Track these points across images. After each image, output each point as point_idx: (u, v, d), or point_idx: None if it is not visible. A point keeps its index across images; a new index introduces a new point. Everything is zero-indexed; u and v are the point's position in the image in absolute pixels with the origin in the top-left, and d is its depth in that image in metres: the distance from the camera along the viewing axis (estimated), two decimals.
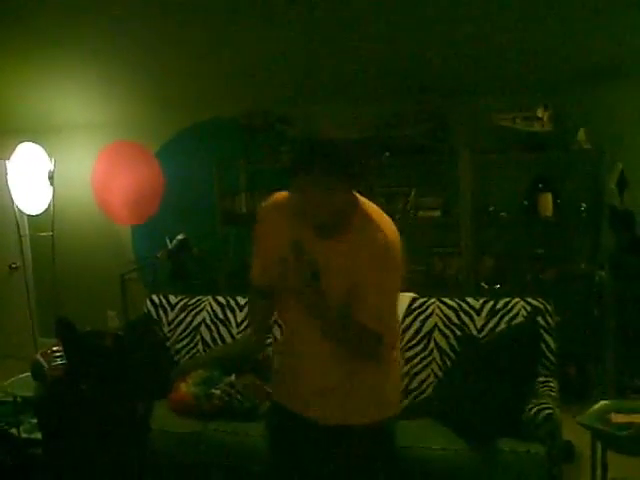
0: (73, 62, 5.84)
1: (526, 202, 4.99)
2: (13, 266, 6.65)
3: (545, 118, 4.71)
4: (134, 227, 6.38)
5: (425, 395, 3.60)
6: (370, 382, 2.30)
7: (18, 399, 4.06)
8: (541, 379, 3.45)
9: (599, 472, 3.21)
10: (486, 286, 5.08)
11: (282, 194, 2.30)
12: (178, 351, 4.13)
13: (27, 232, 6.51)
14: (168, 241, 5.91)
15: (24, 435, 4.05)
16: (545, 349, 3.54)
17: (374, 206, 2.27)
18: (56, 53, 5.76)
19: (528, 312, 3.58)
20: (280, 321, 2.46)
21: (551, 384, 3.44)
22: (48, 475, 2.85)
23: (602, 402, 3.27)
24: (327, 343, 2.22)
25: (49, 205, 5.91)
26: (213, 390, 3.52)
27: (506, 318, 3.63)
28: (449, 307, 3.76)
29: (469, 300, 3.78)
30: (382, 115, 5.20)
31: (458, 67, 5.07)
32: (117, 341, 2.90)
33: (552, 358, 3.56)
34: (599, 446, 3.16)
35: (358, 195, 2.24)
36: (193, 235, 5.91)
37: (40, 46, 5.76)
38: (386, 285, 2.20)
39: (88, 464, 2.76)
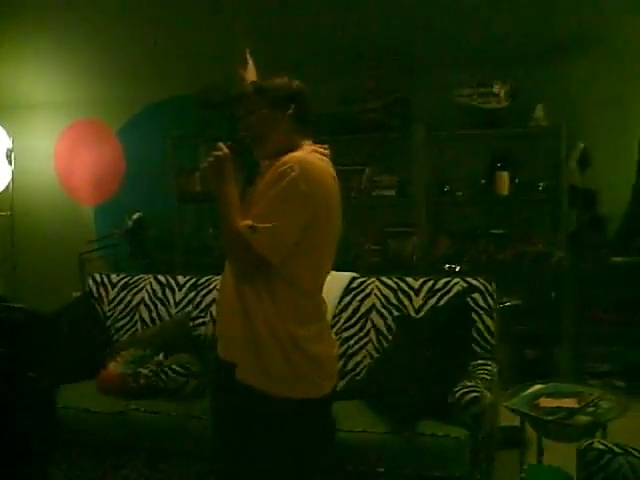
0: (34, 39, 5.74)
1: (483, 180, 4.86)
2: None
3: (502, 94, 4.56)
4: (96, 206, 6.28)
5: (361, 376, 3.50)
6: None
7: None
8: (479, 362, 3.34)
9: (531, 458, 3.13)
10: (446, 267, 4.96)
11: None
12: (117, 330, 4.05)
13: None
14: (128, 220, 5.82)
15: None
16: (484, 330, 3.44)
17: (313, 154, 2.29)
18: (17, 30, 5.66)
19: (462, 290, 3.47)
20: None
21: (488, 367, 3.32)
22: None
23: (537, 386, 3.18)
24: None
25: (8, 184, 5.81)
26: (140, 369, 3.43)
27: (445, 298, 3.51)
28: (388, 287, 3.64)
29: (408, 280, 3.65)
30: (337, 91, 5.05)
31: (415, 41, 4.94)
32: (28, 317, 2.80)
33: (491, 340, 3.44)
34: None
35: (308, 146, 2.32)
36: (153, 214, 5.81)
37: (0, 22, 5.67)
38: (271, 205, 2.16)
39: None
